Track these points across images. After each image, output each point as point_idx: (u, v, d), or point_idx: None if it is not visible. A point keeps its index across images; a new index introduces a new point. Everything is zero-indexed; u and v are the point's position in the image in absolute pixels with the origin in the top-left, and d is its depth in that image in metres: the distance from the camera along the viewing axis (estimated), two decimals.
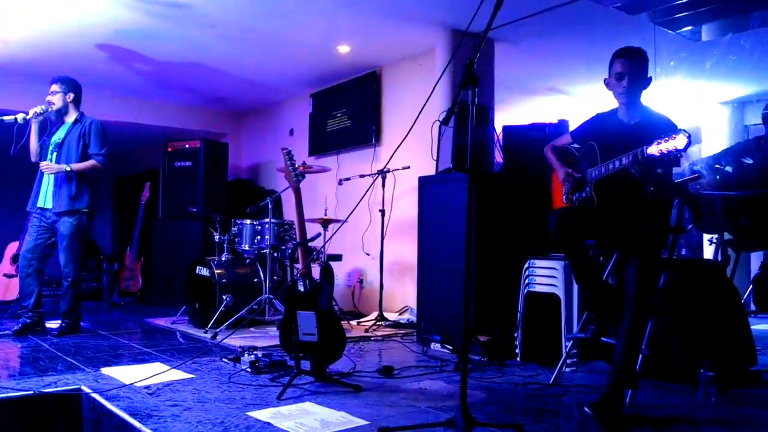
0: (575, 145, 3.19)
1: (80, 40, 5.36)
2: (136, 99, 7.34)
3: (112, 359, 3.61)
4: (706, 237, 4.77)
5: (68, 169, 4.34)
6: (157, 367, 3.33)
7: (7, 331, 4.32)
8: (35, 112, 4.31)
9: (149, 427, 2.27)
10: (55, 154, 4.43)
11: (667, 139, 2.43)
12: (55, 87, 4.48)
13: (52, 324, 4.59)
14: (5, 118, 4.21)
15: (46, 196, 4.43)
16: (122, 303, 6.59)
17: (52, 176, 4.39)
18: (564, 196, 3.13)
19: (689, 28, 4.63)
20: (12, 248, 6.27)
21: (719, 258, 4.12)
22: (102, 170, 4.51)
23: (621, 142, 2.74)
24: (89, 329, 4.77)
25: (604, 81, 2.89)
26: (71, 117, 4.51)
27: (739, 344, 3.18)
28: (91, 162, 4.44)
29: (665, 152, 2.43)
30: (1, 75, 6.31)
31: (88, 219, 4.49)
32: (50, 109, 4.41)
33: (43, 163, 4.36)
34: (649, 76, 2.83)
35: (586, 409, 2.49)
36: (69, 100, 4.49)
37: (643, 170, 2.57)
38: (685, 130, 2.40)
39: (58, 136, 4.48)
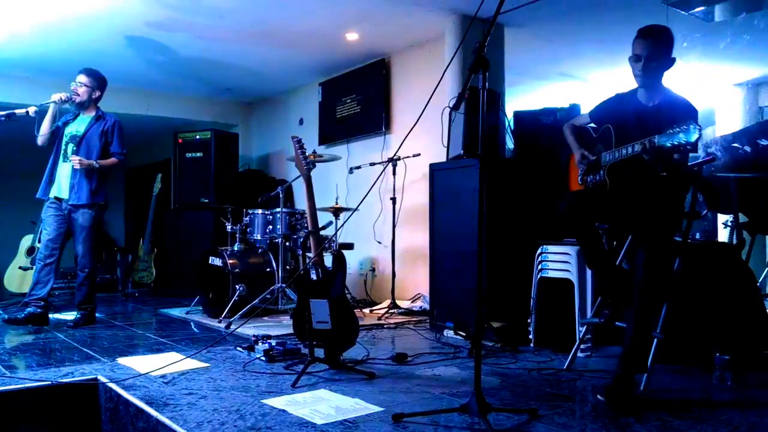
0: (593, 125, 3.15)
1: (90, 29, 5.37)
2: (146, 90, 7.36)
3: (128, 349, 3.64)
4: (720, 220, 4.73)
5: (96, 165, 4.37)
6: (173, 356, 3.35)
7: (15, 316, 4.30)
8: (60, 99, 4.30)
9: (166, 415, 2.29)
10: (71, 146, 4.42)
11: (678, 131, 2.40)
12: (83, 79, 4.44)
13: (68, 315, 4.63)
14: (17, 111, 4.19)
15: (62, 187, 4.42)
16: (136, 294, 6.64)
17: (70, 167, 4.38)
18: (579, 178, 3.11)
19: (702, 8, 4.56)
20: (27, 241, 6.32)
21: (734, 241, 4.08)
22: (120, 168, 4.59)
23: (639, 124, 2.71)
24: (104, 320, 4.82)
25: (629, 59, 2.82)
26: (91, 112, 4.51)
27: (755, 327, 3.16)
28: (113, 159, 4.49)
29: (676, 144, 2.41)
30: (8, 69, 6.34)
31: (103, 211, 4.53)
32: (74, 100, 4.40)
33: (74, 158, 4.33)
34: (672, 56, 2.74)
35: (599, 396, 2.48)
36: (94, 97, 4.50)
37: (656, 158, 2.54)
38: (697, 124, 2.36)
39: (77, 129, 4.46)
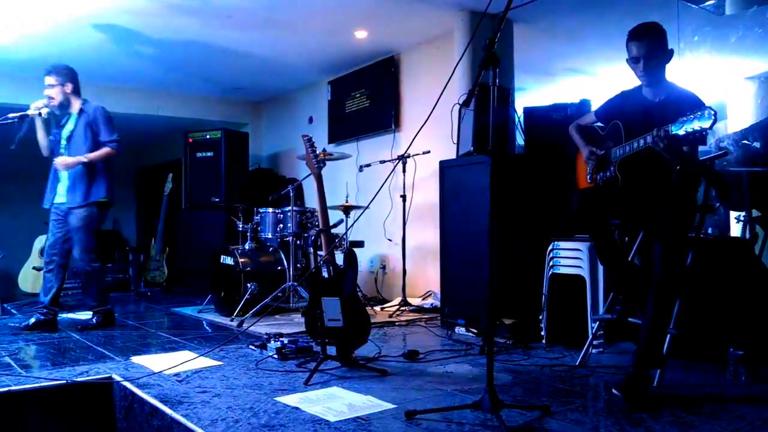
0: (599, 124, 3.14)
1: (88, 29, 5.41)
2: (156, 91, 7.40)
3: (142, 348, 3.67)
4: (733, 215, 4.69)
5: (85, 160, 4.17)
6: (186, 355, 3.37)
7: (16, 324, 4.23)
8: (36, 107, 4.18)
9: (180, 413, 2.31)
10: (65, 147, 4.28)
11: (692, 117, 2.38)
12: (50, 80, 4.25)
13: (81, 315, 4.67)
14: (29, 112, 4.17)
15: (60, 192, 4.29)
16: (149, 293, 6.68)
17: (66, 172, 4.24)
18: (588, 176, 3.10)
19: (712, 1, 4.52)
20: (40, 242, 6.39)
21: (747, 236, 4.05)
22: (116, 156, 4.33)
23: (646, 120, 2.70)
24: (118, 319, 4.84)
25: (627, 62, 2.83)
26: (75, 107, 4.32)
27: None
28: (105, 150, 4.25)
29: (690, 131, 2.39)
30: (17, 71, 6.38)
31: (103, 209, 4.35)
32: (51, 104, 4.23)
33: (57, 160, 4.20)
34: (670, 48, 2.75)
35: (614, 391, 2.48)
36: (68, 92, 4.28)
37: (669, 148, 2.53)
38: (711, 108, 2.35)
39: (68, 129, 4.31)
